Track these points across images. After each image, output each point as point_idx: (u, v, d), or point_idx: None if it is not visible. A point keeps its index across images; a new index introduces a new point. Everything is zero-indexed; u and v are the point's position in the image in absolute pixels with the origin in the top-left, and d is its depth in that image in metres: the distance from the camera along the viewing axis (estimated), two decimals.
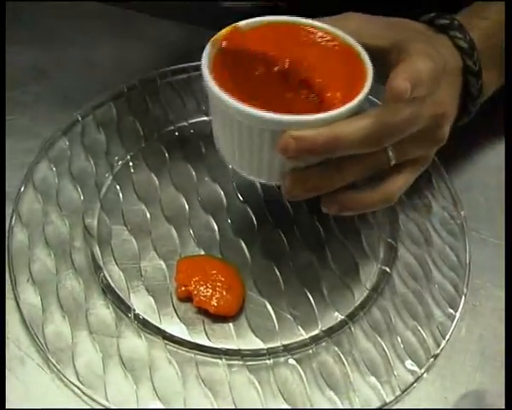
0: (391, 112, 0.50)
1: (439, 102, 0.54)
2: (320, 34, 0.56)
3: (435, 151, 0.57)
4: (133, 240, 0.64)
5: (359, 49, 0.54)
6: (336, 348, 0.58)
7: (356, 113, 0.50)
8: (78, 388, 0.55)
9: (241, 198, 0.68)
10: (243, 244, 0.65)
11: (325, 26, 0.56)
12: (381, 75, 0.52)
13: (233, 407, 0.55)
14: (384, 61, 0.54)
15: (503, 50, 0.61)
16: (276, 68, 0.53)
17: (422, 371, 0.57)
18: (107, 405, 0.54)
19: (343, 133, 0.48)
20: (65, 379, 0.56)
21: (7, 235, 0.64)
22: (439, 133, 0.55)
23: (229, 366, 0.57)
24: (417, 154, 0.55)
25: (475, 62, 0.59)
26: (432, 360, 0.57)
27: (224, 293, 0.59)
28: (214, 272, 0.61)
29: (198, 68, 0.76)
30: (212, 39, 0.55)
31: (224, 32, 0.55)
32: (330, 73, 0.53)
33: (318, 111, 0.49)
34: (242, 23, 0.56)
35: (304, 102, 0.51)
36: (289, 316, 0.60)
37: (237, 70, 0.53)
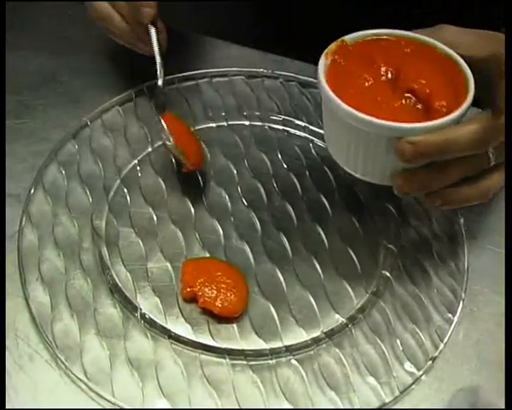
0: (495, 118, 0.54)
1: None
2: (420, 46, 0.59)
3: None
4: (140, 242, 0.66)
5: (458, 59, 0.57)
6: (337, 350, 0.60)
7: (461, 119, 0.54)
8: (86, 384, 0.56)
9: (245, 203, 0.70)
10: (247, 248, 0.66)
11: (424, 38, 0.58)
12: (476, 83, 0.55)
13: (236, 407, 0.56)
14: (480, 71, 0.56)
15: None
16: (383, 79, 0.57)
17: (421, 373, 0.58)
18: (114, 401, 0.55)
19: (454, 137, 0.53)
20: (72, 375, 0.57)
21: (17, 235, 0.65)
22: None
23: (233, 365, 0.59)
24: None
25: None
26: (430, 362, 0.59)
27: (229, 294, 0.61)
28: (219, 273, 0.62)
29: (205, 76, 0.80)
30: (325, 52, 0.58)
31: (333, 45, 0.59)
32: (434, 82, 0.56)
33: (425, 119, 0.53)
34: (349, 37, 0.59)
35: (411, 110, 0.55)
36: (291, 318, 0.62)
37: (348, 81, 0.56)
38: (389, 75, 0.57)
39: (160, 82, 0.71)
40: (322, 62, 0.57)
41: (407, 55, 0.58)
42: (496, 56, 0.56)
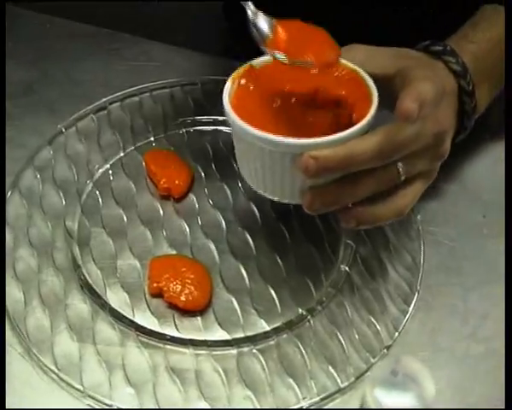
0: (398, 129, 0.55)
1: (440, 121, 0.60)
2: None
3: (439, 165, 0.62)
4: (110, 241, 0.69)
5: (363, 74, 0.60)
6: (296, 340, 0.63)
7: (365, 132, 0.56)
8: (57, 374, 0.59)
9: (211, 203, 0.73)
10: (212, 245, 0.69)
11: None
12: (384, 99, 0.57)
13: (199, 394, 0.59)
14: (388, 87, 0.59)
15: (492, 69, 0.67)
16: (292, 99, 0.60)
17: (376, 360, 0.61)
18: (83, 389, 0.58)
19: (356, 150, 0.54)
20: (44, 367, 0.60)
21: None
22: (441, 149, 0.60)
23: (196, 355, 0.61)
24: (423, 168, 0.60)
25: (468, 83, 0.64)
26: (385, 350, 0.62)
27: (193, 289, 0.64)
28: (184, 269, 0.65)
29: (179, 84, 0.83)
30: (231, 77, 0.61)
31: (241, 69, 0.61)
32: (341, 97, 0.59)
33: (334, 132, 0.54)
34: (256, 61, 0.62)
35: (320, 125, 0.57)
36: (253, 310, 0.65)
37: (256, 103, 0.59)
38: (300, 95, 0.59)
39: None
40: (228, 86, 0.59)
41: (314, 74, 0.60)
42: (401, 73, 0.58)
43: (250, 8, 0.59)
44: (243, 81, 0.61)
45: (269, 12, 0.60)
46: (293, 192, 0.58)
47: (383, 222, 0.60)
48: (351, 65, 0.60)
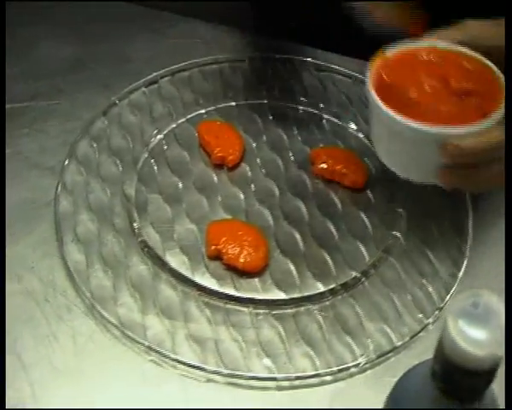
0: None
1: None
2: (456, 54, 0.62)
3: None
4: (167, 207, 0.71)
5: (490, 63, 0.61)
6: (351, 300, 0.64)
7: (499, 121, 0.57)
8: (121, 330, 0.61)
9: (264, 172, 0.75)
10: (267, 211, 0.71)
11: (459, 48, 0.62)
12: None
13: (261, 352, 0.61)
14: (501, 59, 0.60)
15: None
16: (425, 88, 0.61)
17: (430, 320, 0.63)
18: (147, 344, 0.60)
19: (494, 139, 0.56)
20: (108, 324, 0.62)
21: (53, 202, 0.71)
22: None
23: (256, 314, 0.63)
24: None
25: None
26: (437, 311, 0.63)
27: (251, 251, 0.66)
28: (241, 232, 0.67)
29: (227, 60, 0.85)
30: (370, 64, 0.62)
31: (376, 58, 0.63)
32: (471, 86, 0.60)
33: (464, 121, 0.57)
34: (389, 50, 0.63)
35: (453, 113, 0.59)
36: (308, 272, 0.67)
37: (394, 91, 0.61)
38: (435, 84, 0.61)
39: None
40: (369, 75, 0.62)
41: (447, 65, 0.62)
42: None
43: None
44: (380, 70, 0.62)
45: None
46: (426, 173, 0.60)
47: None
48: (477, 55, 0.62)
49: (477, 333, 0.37)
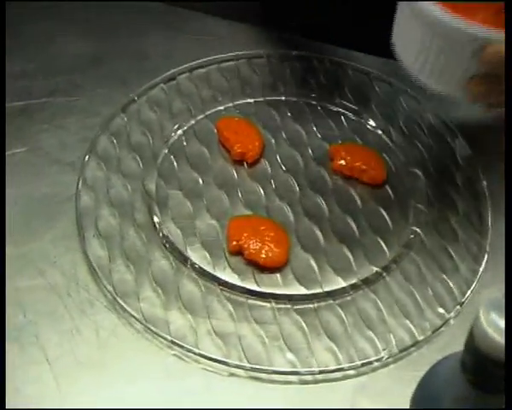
0: None
1: None
2: None
3: None
4: (188, 203, 0.72)
5: None
6: (373, 296, 0.65)
7: None
8: (144, 324, 0.62)
9: (283, 168, 0.75)
10: (287, 207, 0.72)
11: None
12: None
13: (283, 346, 0.61)
14: None
15: None
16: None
17: (451, 315, 0.63)
18: (170, 339, 0.60)
19: None
20: (130, 318, 0.62)
21: (74, 197, 0.71)
22: None
23: (278, 309, 0.64)
24: None
25: None
26: (458, 307, 0.64)
27: (273, 246, 0.66)
28: (263, 228, 0.68)
29: (245, 57, 0.85)
30: None
31: None
32: None
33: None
34: None
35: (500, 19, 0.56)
36: (329, 268, 0.67)
37: None
38: None
39: None
40: None
41: None
42: None
43: None
44: None
45: None
46: (457, 82, 0.59)
47: None
48: None
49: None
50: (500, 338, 0.36)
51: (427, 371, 0.46)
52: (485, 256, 0.68)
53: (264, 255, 0.66)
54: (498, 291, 0.38)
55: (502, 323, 0.37)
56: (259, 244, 0.66)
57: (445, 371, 0.43)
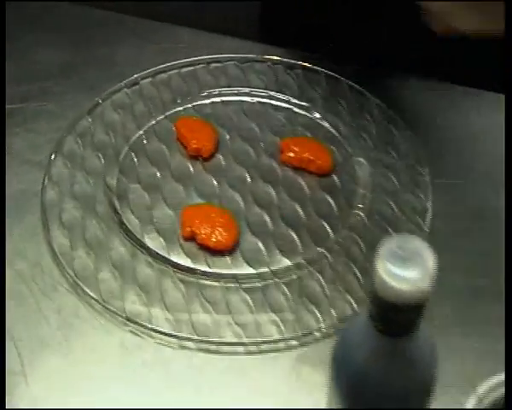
0: None
1: None
2: None
3: None
4: (146, 195, 0.77)
5: None
6: (317, 274, 0.69)
7: None
8: (102, 305, 0.67)
9: (236, 162, 0.80)
10: (238, 196, 0.77)
11: None
12: None
13: (231, 321, 0.66)
14: None
15: None
16: None
17: None
18: (125, 316, 0.65)
19: None
20: (91, 300, 0.67)
21: (40, 193, 0.76)
22: None
23: (227, 288, 0.68)
24: None
25: None
26: None
27: (222, 230, 0.71)
28: (213, 215, 0.73)
29: (204, 62, 0.90)
30: None
31: None
32: None
33: None
34: None
35: None
36: (277, 250, 0.72)
37: None
38: None
39: None
40: None
41: None
42: None
43: None
44: None
45: None
46: None
47: None
48: None
49: (404, 271, 0.41)
50: (396, 284, 0.40)
51: (341, 328, 0.50)
52: (425, 236, 0.72)
53: (214, 239, 0.71)
54: (397, 241, 0.42)
55: (397, 270, 0.41)
56: (210, 229, 0.71)
57: (359, 324, 0.47)
